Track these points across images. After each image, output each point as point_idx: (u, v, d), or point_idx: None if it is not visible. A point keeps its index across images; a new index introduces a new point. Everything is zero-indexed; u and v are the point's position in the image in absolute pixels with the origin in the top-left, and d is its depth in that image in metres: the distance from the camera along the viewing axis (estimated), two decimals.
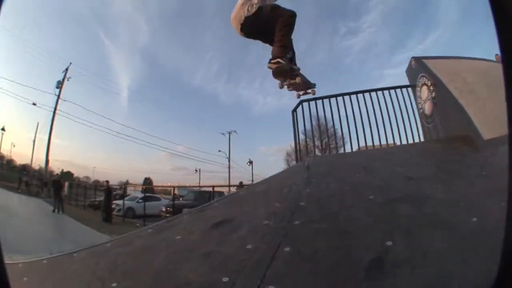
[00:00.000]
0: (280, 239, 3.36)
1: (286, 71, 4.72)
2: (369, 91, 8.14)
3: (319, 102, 8.20)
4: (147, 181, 53.46)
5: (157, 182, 53.13)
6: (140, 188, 52.50)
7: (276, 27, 4.48)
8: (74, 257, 4.43)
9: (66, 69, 34.49)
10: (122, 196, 20.69)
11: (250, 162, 42.10)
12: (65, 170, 50.42)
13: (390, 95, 8.04)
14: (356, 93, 8.12)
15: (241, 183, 23.00)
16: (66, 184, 30.67)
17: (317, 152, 18.31)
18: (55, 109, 34.22)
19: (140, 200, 20.20)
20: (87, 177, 56.14)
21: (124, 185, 22.87)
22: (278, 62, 4.47)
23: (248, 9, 4.50)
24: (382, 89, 8.13)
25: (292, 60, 5.01)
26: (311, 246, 3.25)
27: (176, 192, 51.22)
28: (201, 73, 69.73)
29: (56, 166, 52.79)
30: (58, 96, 34.32)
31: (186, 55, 65.55)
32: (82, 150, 66.14)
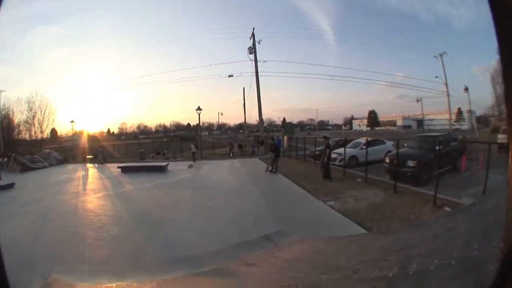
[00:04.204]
0: None
1: None
2: None
3: None
4: (372, 114, 53.15)
5: (381, 113, 52.19)
6: (365, 123, 53.22)
7: None
8: None
9: (253, 34, 37.08)
10: (344, 144, 20.09)
11: (466, 89, 37.51)
12: (287, 117, 54.35)
13: None
14: None
15: None
16: (285, 139, 32.57)
17: None
18: (256, 71, 36.80)
19: (363, 147, 19.02)
20: (311, 119, 59.39)
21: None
22: None
23: None
24: None
25: None
26: None
27: (401, 122, 49.11)
28: None
29: (277, 116, 57.30)
30: (255, 60, 36.98)
31: None
32: (299, 96, 69.55)
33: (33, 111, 44.00)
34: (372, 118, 52.42)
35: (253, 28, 37.17)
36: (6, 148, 34.84)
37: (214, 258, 6.83)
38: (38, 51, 54.82)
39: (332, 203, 11.25)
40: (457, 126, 41.75)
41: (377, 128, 51.43)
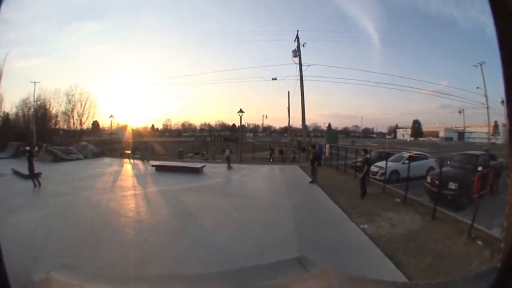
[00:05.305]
0: None
1: None
2: None
3: None
4: (416, 124, 51.18)
5: (425, 123, 50.29)
6: (409, 133, 51.37)
7: None
8: None
9: (297, 37, 35.96)
10: (386, 157, 18.84)
11: (502, 102, 34.83)
12: (333, 123, 53.19)
13: None
14: None
15: None
16: (327, 146, 31.37)
17: None
18: (301, 75, 35.90)
19: (405, 161, 17.46)
20: (356, 126, 57.86)
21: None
22: None
23: None
24: None
25: None
26: None
27: (443, 133, 46.95)
28: None
29: (322, 121, 56.19)
30: (300, 63, 35.96)
31: None
32: (344, 102, 67.71)
33: (72, 103, 44.99)
34: (416, 128, 50.62)
35: (297, 31, 36.17)
36: (40, 138, 35.45)
37: (217, 279, 6.15)
38: (76, 45, 55.96)
39: (366, 226, 10.30)
40: (493, 141, 39.70)
41: (421, 139, 49.58)
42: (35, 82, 37.24)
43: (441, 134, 49.32)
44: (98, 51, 57.02)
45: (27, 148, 25.84)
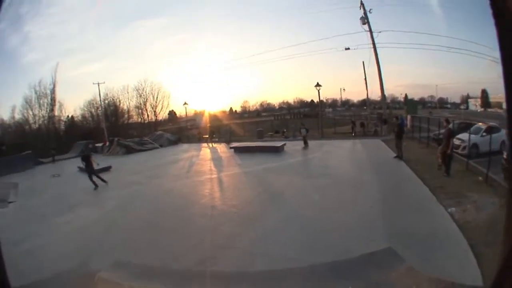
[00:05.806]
0: None
1: None
2: None
3: None
4: (484, 94, 47.56)
5: (493, 93, 46.54)
6: (479, 103, 47.94)
7: None
8: None
9: (362, 3, 34.07)
10: (466, 128, 17.50)
11: None
12: (408, 93, 50.71)
13: None
14: None
15: None
16: (409, 117, 29.68)
17: None
18: (373, 43, 34.35)
19: (484, 134, 16.43)
20: (432, 96, 54.64)
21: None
22: None
23: None
24: None
25: None
26: None
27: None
28: None
29: (399, 92, 53.52)
30: (370, 31, 34.33)
31: None
32: (418, 70, 63.87)
33: (143, 97, 46.39)
34: (485, 98, 47.12)
35: None
36: (111, 133, 37.10)
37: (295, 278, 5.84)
38: (139, 43, 57.07)
39: (453, 210, 9.50)
40: None
41: (489, 110, 46.15)
42: (98, 83, 38.77)
43: (504, 105, 45.51)
44: (164, 45, 58.12)
45: (91, 144, 26.69)
